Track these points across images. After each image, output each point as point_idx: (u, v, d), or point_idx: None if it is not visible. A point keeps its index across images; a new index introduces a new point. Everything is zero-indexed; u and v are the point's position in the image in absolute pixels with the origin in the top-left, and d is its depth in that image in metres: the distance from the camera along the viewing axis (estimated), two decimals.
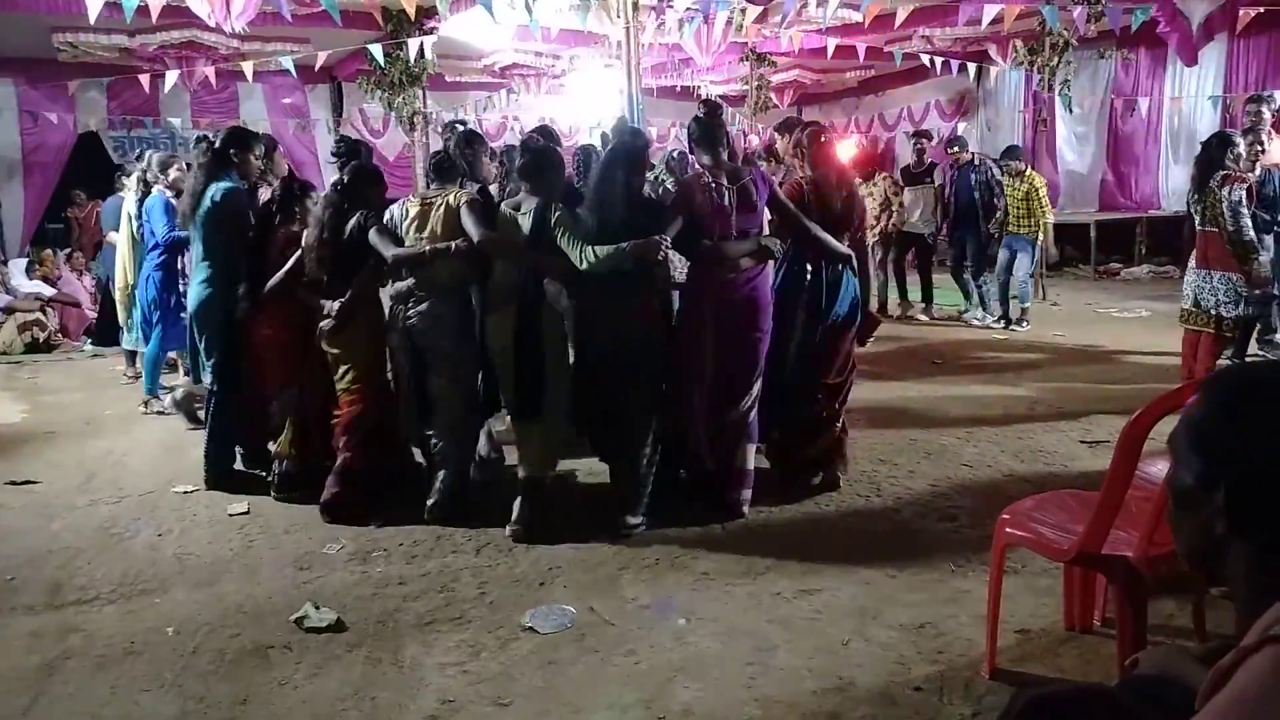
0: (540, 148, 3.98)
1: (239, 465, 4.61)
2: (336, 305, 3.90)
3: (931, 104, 14.81)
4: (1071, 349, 7.13)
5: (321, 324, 3.94)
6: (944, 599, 3.03)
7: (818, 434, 4.11)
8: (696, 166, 4.13)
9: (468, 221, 3.73)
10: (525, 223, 3.69)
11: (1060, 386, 5.90)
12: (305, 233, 4.08)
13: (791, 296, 4.00)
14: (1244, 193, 4.97)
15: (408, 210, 3.91)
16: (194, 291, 4.54)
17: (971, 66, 10.60)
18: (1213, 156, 5.08)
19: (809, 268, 3.99)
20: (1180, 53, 4.43)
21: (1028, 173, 7.97)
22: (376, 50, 9.33)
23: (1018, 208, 7.89)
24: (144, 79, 9.49)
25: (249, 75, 9.31)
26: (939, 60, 10.41)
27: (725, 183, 3.76)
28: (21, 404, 6.46)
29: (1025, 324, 8.01)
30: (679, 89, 13.55)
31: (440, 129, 5.70)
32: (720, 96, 13.71)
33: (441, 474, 3.92)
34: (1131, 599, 2.33)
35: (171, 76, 9.29)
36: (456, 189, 3.95)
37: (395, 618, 3.05)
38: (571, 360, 3.85)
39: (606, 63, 11.14)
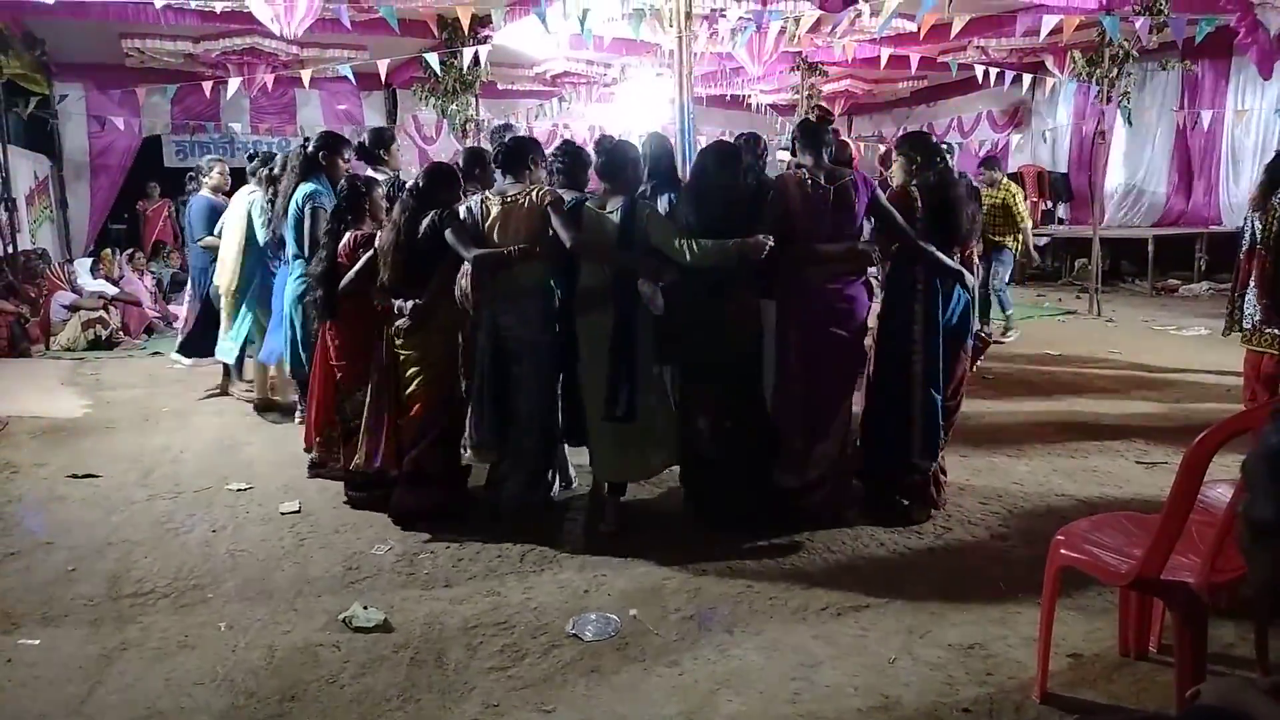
0: (615, 145, 3.93)
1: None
2: (410, 306, 3.86)
3: (984, 115, 14.61)
4: (1127, 366, 6.97)
5: (398, 324, 3.90)
6: (994, 619, 2.98)
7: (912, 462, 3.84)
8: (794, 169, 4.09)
9: (557, 224, 3.70)
10: (611, 221, 3.68)
11: (1115, 405, 5.77)
12: (379, 235, 4.06)
13: (899, 309, 3.82)
14: None
15: (488, 209, 3.85)
16: (291, 286, 4.98)
17: (1026, 77, 10.43)
18: (1271, 175, 4.93)
19: (918, 280, 3.78)
20: (1260, 65, 4.30)
21: (1003, 182, 7.97)
22: (432, 58, 9.47)
23: (995, 218, 7.80)
24: (206, 85, 9.75)
25: (306, 82, 9.51)
26: (994, 71, 10.27)
27: (823, 182, 3.72)
28: (83, 399, 6.66)
29: (1013, 333, 8.06)
30: (729, 98, 13.54)
31: (490, 134, 5.80)
32: (770, 105, 13.72)
33: (514, 470, 3.91)
34: (1192, 626, 2.26)
35: (234, 83, 9.53)
36: (536, 186, 3.88)
37: (441, 620, 3.08)
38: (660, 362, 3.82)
39: (658, 71, 11.18)
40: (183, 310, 7.13)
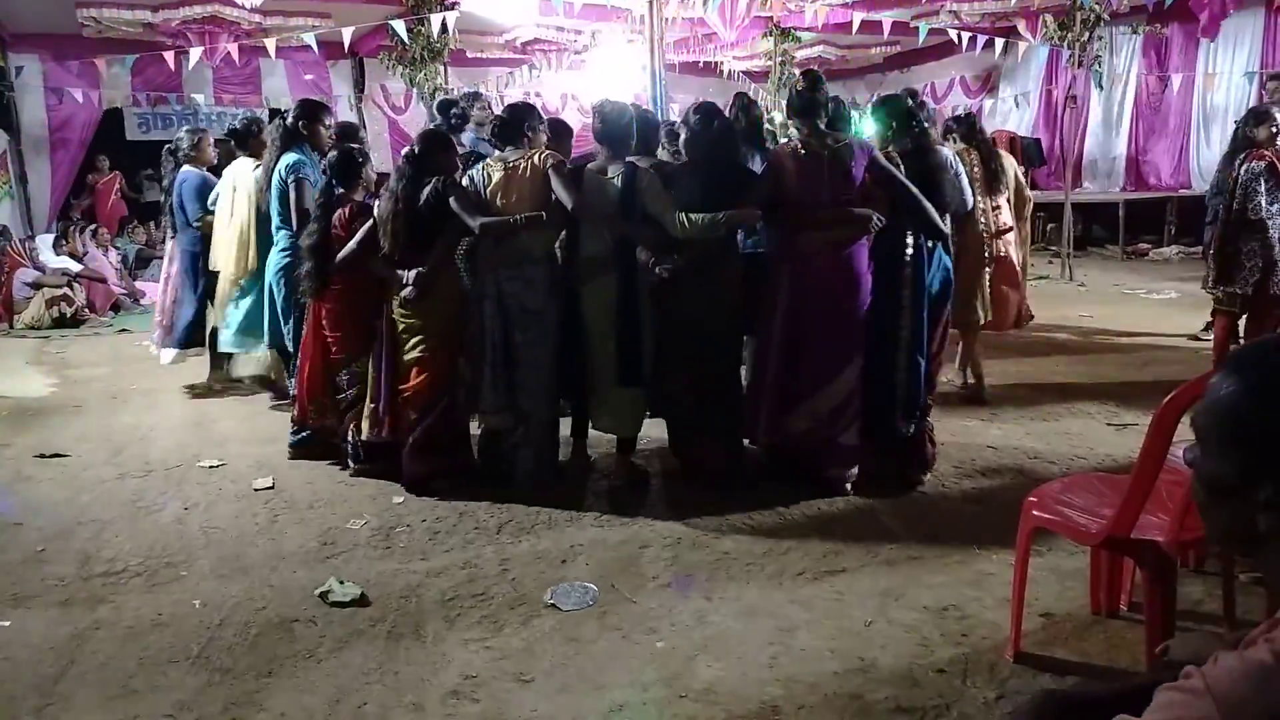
0: (615, 110, 3.88)
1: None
2: (414, 275, 3.82)
3: (956, 80, 14.59)
4: (1098, 330, 7.04)
5: (404, 293, 3.86)
6: (968, 581, 3.01)
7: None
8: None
9: (558, 187, 3.71)
10: (613, 187, 3.71)
11: (1086, 368, 5.83)
12: (377, 205, 3.99)
13: (889, 274, 3.78)
14: (1263, 168, 4.88)
15: (490, 175, 3.86)
16: (274, 259, 4.79)
17: (999, 42, 10.41)
18: (1242, 134, 5.00)
19: (909, 243, 3.76)
20: (1207, 26, 4.30)
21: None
22: (399, 26, 9.29)
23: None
24: (168, 56, 9.51)
25: (271, 51, 9.31)
26: (965, 36, 10.23)
27: (818, 149, 3.69)
28: (50, 378, 6.54)
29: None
30: (702, 65, 13.41)
31: (460, 99, 5.67)
32: (743, 72, 13.61)
33: (520, 438, 3.94)
34: (1161, 584, 2.30)
35: (195, 53, 9.30)
36: (536, 150, 3.87)
37: (418, 593, 3.07)
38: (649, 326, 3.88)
39: (629, 38, 11.03)
40: (158, 294, 6.37)
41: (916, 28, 10.37)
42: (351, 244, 4.02)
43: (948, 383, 5.18)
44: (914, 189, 3.72)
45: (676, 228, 3.60)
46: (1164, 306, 8.00)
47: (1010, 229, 5.20)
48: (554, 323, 3.91)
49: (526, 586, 3.09)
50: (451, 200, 3.81)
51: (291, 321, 4.75)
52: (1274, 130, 4.98)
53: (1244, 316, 5.21)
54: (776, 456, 4.00)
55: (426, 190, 3.83)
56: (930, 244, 3.82)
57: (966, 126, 5.25)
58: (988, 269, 5.07)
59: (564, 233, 3.96)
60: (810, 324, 3.73)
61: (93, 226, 10.59)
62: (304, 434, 4.41)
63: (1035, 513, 2.54)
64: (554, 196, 3.73)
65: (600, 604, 2.95)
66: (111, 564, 3.37)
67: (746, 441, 4.00)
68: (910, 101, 4.21)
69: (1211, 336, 5.74)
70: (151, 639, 2.82)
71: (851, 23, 10.35)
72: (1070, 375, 5.66)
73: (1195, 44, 11.35)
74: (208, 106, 12.06)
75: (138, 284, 10.26)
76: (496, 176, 3.84)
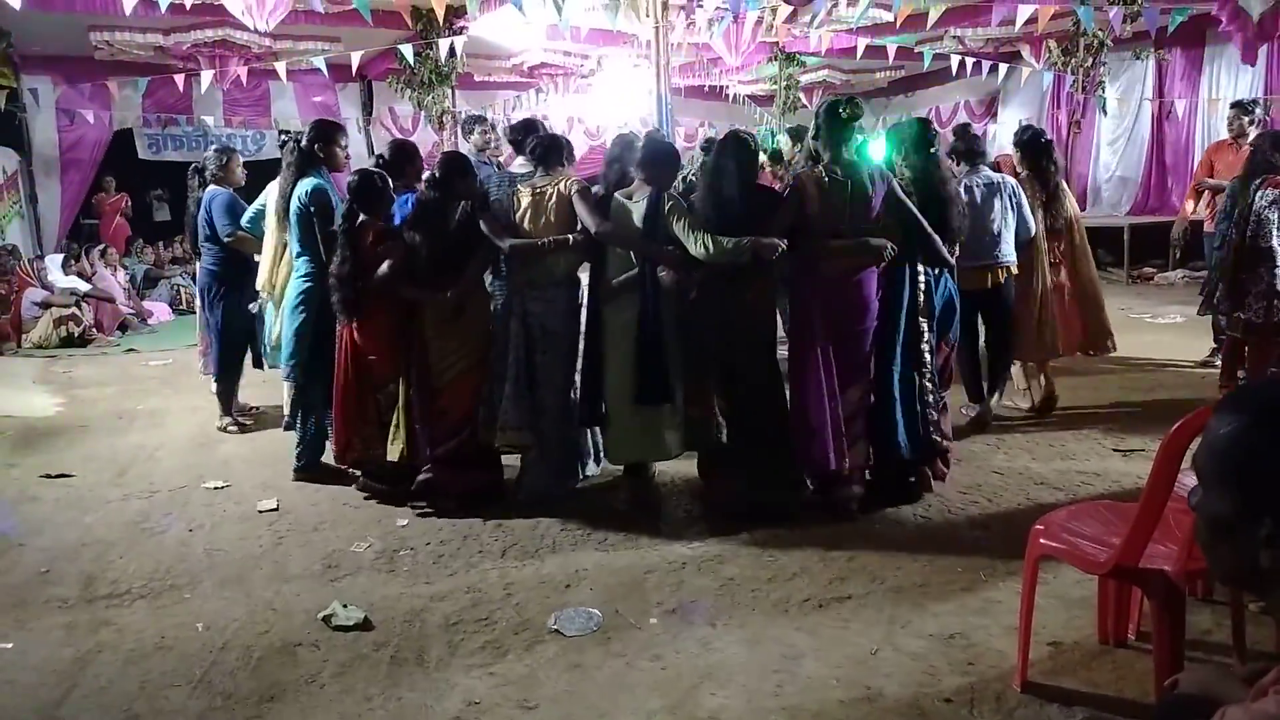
0: (658, 142, 4.09)
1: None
2: (449, 295, 3.92)
3: (961, 104, 14.66)
4: (1104, 356, 7.00)
5: (443, 304, 3.93)
6: (974, 609, 2.99)
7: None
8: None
9: (582, 211, 3.83)
10: (638, 212, 3.79)
11: (1092, 393, 5.81)
12: (406, 232, 4.05)
13: (898, 301, 3.89)
14: (1277, 196, 4.89)
15: (519, 200, 3.99)
16: (294, 285, 4.58)
17: (1002, 67, 10.47)
18: (1261, 158, 5.00)
19: (920, 273, 3.92)
20: (1244, 52, 4.35)
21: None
22: (407, 50, 9.38)
23: None
24: (178, 78, 9.61)
25: (282, 75, 9.39)
26: (970, 61, 10.30)
27: (840, 177, 3.75)
28: (56, 398, 6.56)
29: None
30: (707, 88, 13.50)
31: (462, 125, 5.69)
32: (749, 96, 13.70)
33: (535, 457, 4.01)
34: (1169, 614, 2.28)
35: (206, 76, 9.39)
36: (564, 177, 4.02)
37: (421, 618, 3.06)
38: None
39: (635, 62, 11.13)
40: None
41: (921, 53, 10.45)
42: (384, 268, 4.01)
43: (1012, 407, 5.33)
44: (924, 221, 3.82)
45: (699, 250, 3.65)
46: (1170, 331, 7.98)
47: (1061, 260, 5.26)
48: (573, 345, 4.02)
49: (530, 611, 3.08)
50: (481, 223, 3.95)
51: (300, 350, 4.52)
52: None
53: (1248, 344, 5.21)
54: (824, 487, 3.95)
55: (457, 214, 3.98)
56: (937, 271, 3.96)
57: (1034, 152, 5.26)
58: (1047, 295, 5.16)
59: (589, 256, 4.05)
60: (828, 346, 3.79)
61: (101, 246, 10.67)
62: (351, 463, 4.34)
63: (1042, 541, 2.53)
64: (577, 221, 3.87)
65: (604, 629, 2.94)
66: (115, 585, 3.37)
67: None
68: (927, 129, 4.21)
69: (1219, 362, 5.72)
70: (154, 662, 2.82)
71: (856, 48, 10.43)
72: (1076, 400, 5.63)
73: (1199, 70, 11.40)
74: (217, 128, 12.17)
75: (145, 304, 10.31)
76: (525, 201, 3.98)
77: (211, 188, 5.42)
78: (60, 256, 10.33)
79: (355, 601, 3.14)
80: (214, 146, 6.00)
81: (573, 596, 3.18)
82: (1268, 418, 1.02)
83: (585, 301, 4.11)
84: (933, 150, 4.12)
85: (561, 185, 3.95)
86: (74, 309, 8.75)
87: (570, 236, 3.88)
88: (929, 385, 3.98)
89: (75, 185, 11.71)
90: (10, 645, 2.94)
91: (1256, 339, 5.16)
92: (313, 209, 4.43)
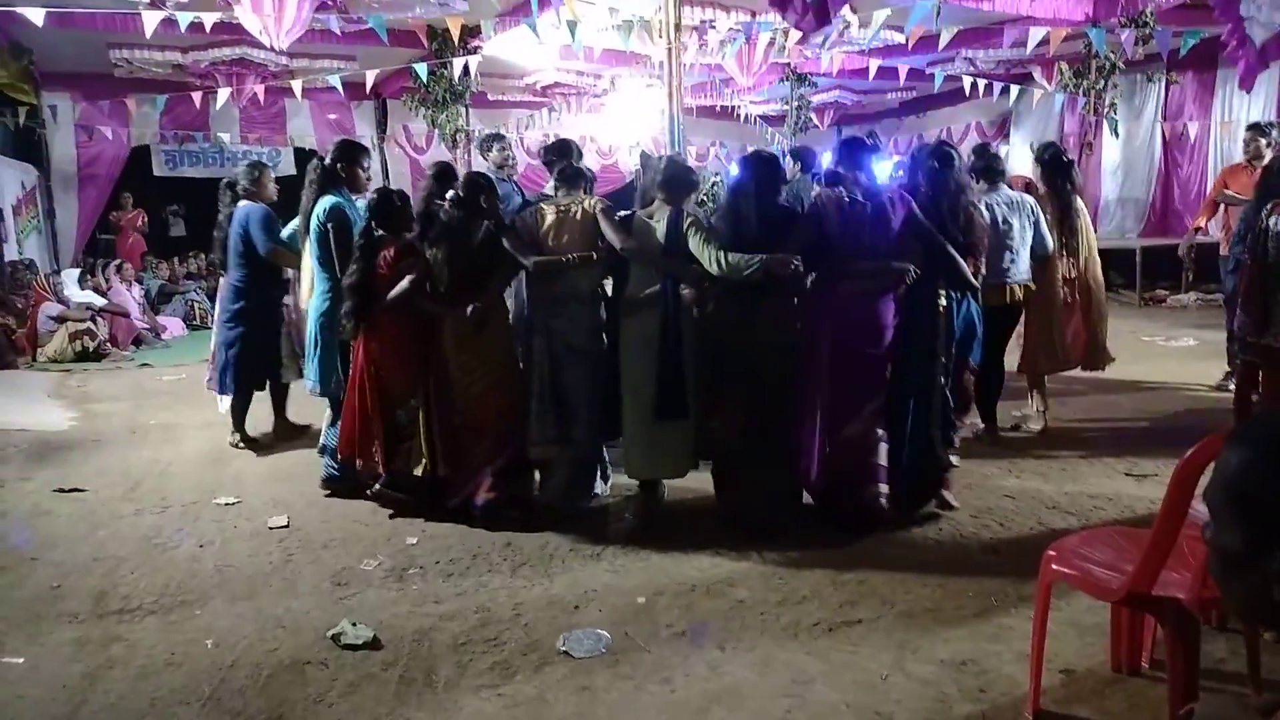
0: (676, 164, 4.17)
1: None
2: (472, 310, 3.97)
3: (972, 125, 14.69)
4: (1117, 378, 6.97)
5: (466, 317, 3.97)
6: (987, 635, 2.97)
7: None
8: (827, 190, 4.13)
9: (607, 229, 3.91)
10: (659, 229, 3.88)
11: (1105, 417, 5.78)
12: (430, 250, 4.11)
13: (922, 323, 3.91)
14: None
15: (543, 217, 4.06)
16: (315, 303, 4.62)
17: (1014, 89, 10.50)
18: (1274, 181, 4.98)
19: (939, 296, 3.94)
20: (1244, 78, 4.37)
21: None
22: (422, 69, 9.47)
23: None
24: (195, 95, 9.72)
25: (298, 93, 9.49)
26: (981, 82, 10.33)
27: (862, 200, 3.80)
28: (70, 412, 6.61)
29: None
30: (719, 108, 13.57)
31: (479, 144, 5.73)
32: (760, 116, 13.77)
33: (561, 467, 4.07)
34: (1184, 642, 2.26)
35: (223, 94, 9.50)
36: (586, 196, 4.16)
37: (430, 637, 3.05)
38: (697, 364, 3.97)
39: (648, 82, 11.20)
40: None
41: (932, 74, 10.49)
42: (402, 284, 4.07)
43: (1026, 431, 5.35)
44: (947, 244, 3.84)
45: (713, 265, 3.70)
46: (1183, 355, 7.94)
47: (1076, 277, 5.31)
48: (599, 360, 4.07)
49: (539, 632, 3.07)
50: (505, 240, 4.02)
51: (321, 366, 4.58)
52: None
53: (1264, 369, 5.17)
54: (826, 499, 4.00)
55: (480, 231, 4.05)
56: (959, 294, 4.01)
57: (1054, 171, 5.30)
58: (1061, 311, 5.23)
59: (611, 273, 4.14)
60: (839, 365, 3.82)
61: (117, 262, 10.76)
62: (337, 470, 4.45)
63: (1054, 567, 2.51)
64: (602, 239, 3.95)
65: (613, 651, 2.93)
66: (126, 601, 3.38)
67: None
68: (949, 150, 4.24)
69: (1233, 386, 5.68)
70: (164, 678, 2.82)
71: (868, 69, 10.48)
72: (1088, 423, 5.61)
73: (1211, 93, 11.40)
74: (233, 145, 12.31)
75: (159, 319, 10.39)
76: (549, 219, 4.04)
77: (245, 203, 5.32)
78: (76, 271, 10.42)
79: (364, 620, 3.14)
80: (245, 162, 5.93)
81: (581, 618, 3.18)
82: (1278, 451, 1.01)
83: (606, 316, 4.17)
84: (955, 170, 4.15)
85: (586, 204, 4.04)
86: (89, 324, 8.83)
87: (593, 254, 3.94)
88: (942, 411, 3.99)
89: (92, 201, 11.85)
90: (21, 660, 2.95)
91: (1273, 365, 5.13)
92: (330, 226, 4.47)
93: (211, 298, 11.63)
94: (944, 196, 4.03)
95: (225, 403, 5.52)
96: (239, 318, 5.34)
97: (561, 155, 4.95)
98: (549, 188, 5.01)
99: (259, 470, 5.03)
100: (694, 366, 3.91)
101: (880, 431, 3.91)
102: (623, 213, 4.12)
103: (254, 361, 5.39)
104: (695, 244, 3.77)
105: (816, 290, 3.91)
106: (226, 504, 4.45)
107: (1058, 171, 5.30)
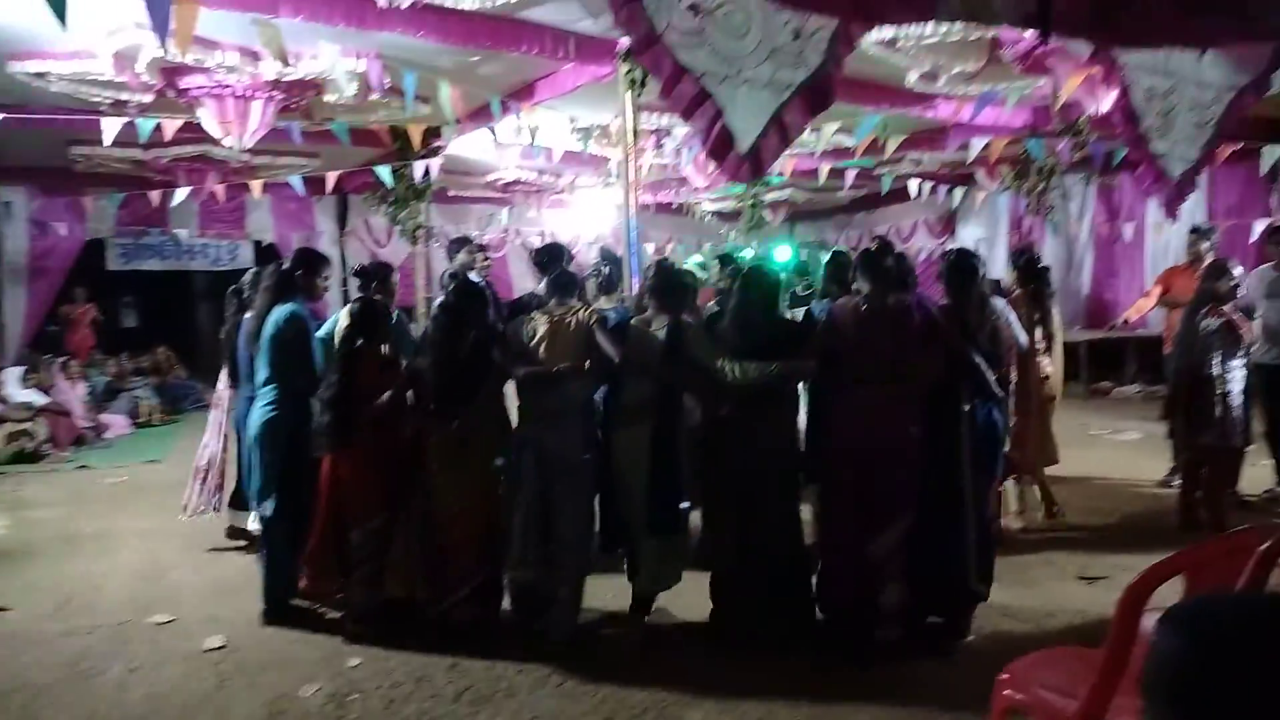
0: (673, 269, 4.19)
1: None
2: (456, 424, 3.86)
3: (920, 222, 15.18)
4: (1066, 473, 7.04)
5: (446, 438, 3.88)
6: None
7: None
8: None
9: (603, 341, 3.84)
10: (659, 338, 3.86)
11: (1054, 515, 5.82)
12: (414, 360, 4.05)
13: (947, 433, 3.74)
14: (1219, 325, 5.08)
15: (535, 329, 3.94)
16: (258, 414, 4.28)
17: (958, 191, 10.90)
18: (1206, 288, 5.22)
19: (963, 404, 3.80)
20: (1168, 207, 4.57)
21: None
22: (384, 171, 9.58)
23: None
24: (154, 194, 9.71)
25: (256, 192, 9.54)
26: (927, 185, 10.72)
27: (878, 309, 3.75)
28: (2, 519, 6.34)
29: None
30: (675, 205, 13.89)
31: (446, 246, 5.78)
32: (715, 213, 14.10)
33: (559, 592, 3.88)
34: None
35: (182, 191, 9.50)
36: (580, 306, 4.07)
37: None
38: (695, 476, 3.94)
39: (607, 181, 11.46)
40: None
41: (879, 175, 10.87)
42: (385, 397, 3.93)
43: (1008, 529, 5.29)
44: (970, 351, 3.76)
45: (727, 375, 3.67)
46: (1130, 449, 8.09)
47: (1047, 375, 5.43)
48: (591, 476, 3.95)
49: None
50: (494, 351, 3.95)
51: (270, 484, 4.24)
52: (1234, 284, 5.19)
53: (1206, 465, 5.32)
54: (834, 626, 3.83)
55: (469, 340, 3.95)
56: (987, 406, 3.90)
57: (1030, 275, 5.44)
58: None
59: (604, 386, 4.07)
60: (860, 479, 3.68)
61: (63, 359, 10.51)
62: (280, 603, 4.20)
63: (1007, 692, 2.48)
64: (594, 350, 3.87)
65: None
66: None
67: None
68: (974, 260, 4.15)
69: (1177, 483, 5.80)
70: None
71: (818, 171, 10.83)
72: (1039, 524, 5.64)
73: (1144, 195, 11.94)
74: (190, 239, 12.26)
75: (104, 416, 10.13)
76: (542, 329, 3.93)
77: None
78: (20, 370, 10.14)
79: None
80: (251, 270, 5.46)
81: None
82: (1205, 644, 1.02)
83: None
84: (980, 280, 4.05)
85: (580, 314, 3.94)
86: (29, 424, 8.56)
87: (582, 366, 3.84)
88: (979, 534, 3.80)
89: (42, 294, 11.60)
90: None
91: (1214, 462, 5.27)
92: (290, 334, 4.30)
93: (160, 394, 11.46)
94: (969, 307, 3.92)
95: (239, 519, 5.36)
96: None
97: (554, 259, 4.77)
98: (540, 288, 4.96)
99: (197, 583, 4.83)
100: (690, 475, 3.88)
101: (898, 563, 3.66)
102: (613, 319, 4.12)
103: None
104: (705, 354, 3.76)
105: (828, 403, 3.84)
106: (160, 623, 4.25)
107: (1035, 276, 5.45)
